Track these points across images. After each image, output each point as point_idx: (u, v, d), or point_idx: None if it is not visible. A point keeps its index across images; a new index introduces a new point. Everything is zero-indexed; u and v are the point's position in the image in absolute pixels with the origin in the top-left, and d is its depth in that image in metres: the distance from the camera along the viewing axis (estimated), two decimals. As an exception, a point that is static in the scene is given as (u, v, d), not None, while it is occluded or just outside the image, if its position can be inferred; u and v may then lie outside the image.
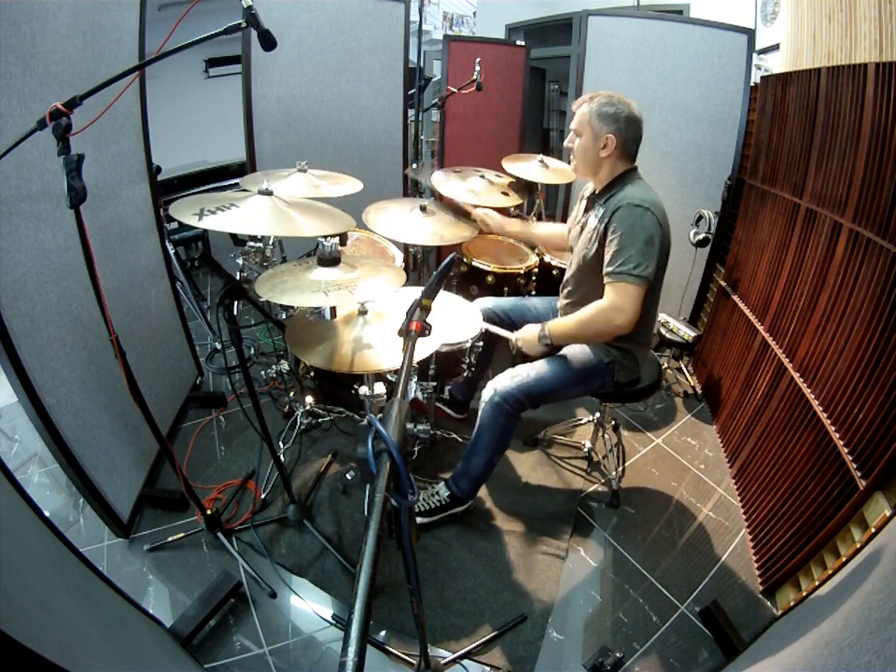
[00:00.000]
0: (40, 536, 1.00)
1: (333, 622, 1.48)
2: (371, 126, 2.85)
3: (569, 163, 1.67)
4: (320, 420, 2.19)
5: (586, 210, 1.67)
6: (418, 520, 1.78)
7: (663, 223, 1.47)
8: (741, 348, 2.27)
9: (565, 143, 1.64)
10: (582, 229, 1.65)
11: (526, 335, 1.63)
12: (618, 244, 1.44)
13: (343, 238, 1.77)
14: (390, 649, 1.40)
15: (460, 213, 2.13)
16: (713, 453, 2.23)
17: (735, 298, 2.42)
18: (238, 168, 3.81)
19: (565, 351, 1.69)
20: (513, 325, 1.85)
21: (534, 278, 2.47)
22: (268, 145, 2.62)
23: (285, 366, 2.18)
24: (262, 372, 2.30)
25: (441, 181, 2.29)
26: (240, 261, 1.95)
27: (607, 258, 1.47)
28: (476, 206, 2.11)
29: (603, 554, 1.75)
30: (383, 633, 1.47)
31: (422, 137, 3.61)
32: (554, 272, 2.40)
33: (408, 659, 1.37)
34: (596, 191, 1.62)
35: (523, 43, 3.41)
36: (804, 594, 1.40)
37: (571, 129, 1.59)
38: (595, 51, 2.83)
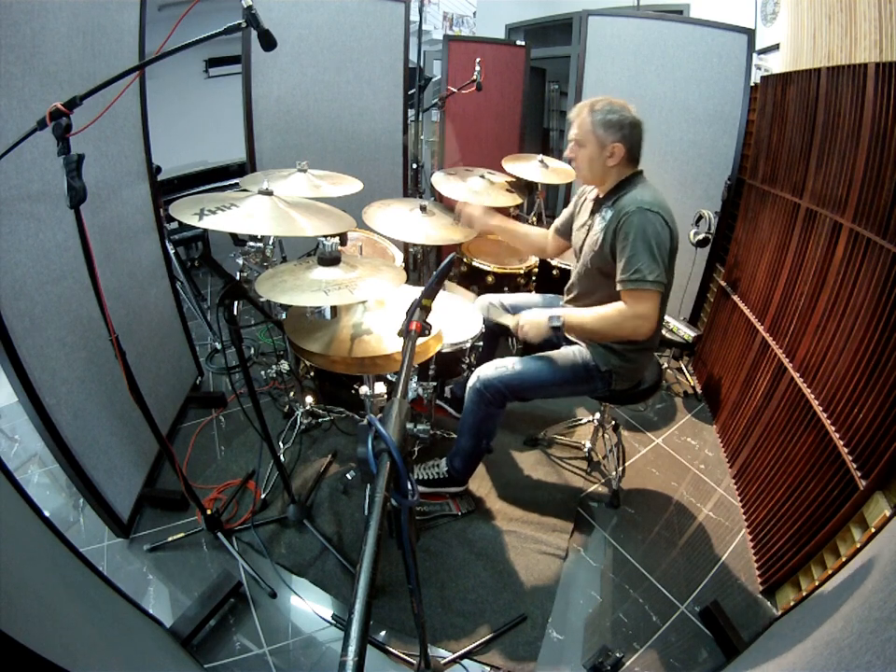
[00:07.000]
0: (40, 536, 1.00)
1: (333, 622, 1.48)
2: (371, 126, 2.85)
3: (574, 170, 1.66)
4: (320, 420, 2.19)
5: (592, 213, 1.65)
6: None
7: (672, 226, 1.46)
8: (741, 348, 2.27)
9: (566, 153, 1.61)
10: (589, 231, 1.64)
11: (533, 318, 1.58)
12: (631, 249, 1.42)
13: (342, 238, 1.77)
14: (390, 649, 1.40)
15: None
16: (713, 453, 2.23)
17: (735, 298, 2.42)
18: (238, 168, 3.81)
19: (560, 350, 1.69)
20: None
21: (534, 278, 2.47)
22: (268, 145, 2.62)
23: (285, 366, 2.18)
24: (262, 372, 2.31)
25: (441, 181, 2.30)
26: (240, 261, 1.95)
27: (620, 264, 1.45)
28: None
29: (603, 554, 1.75)
30: (383, 633, 1.47)
31: (422, 137, 3.61)
32: (555, 272, 2.41)
33: (408, 659, 1.37)
34: (601, 195, 1.61)
35: (523, 43, 3.41)
36: (804, 594, 1.40)
37: (572, 139, 1.55)
38: (595, 51, 2.83)
